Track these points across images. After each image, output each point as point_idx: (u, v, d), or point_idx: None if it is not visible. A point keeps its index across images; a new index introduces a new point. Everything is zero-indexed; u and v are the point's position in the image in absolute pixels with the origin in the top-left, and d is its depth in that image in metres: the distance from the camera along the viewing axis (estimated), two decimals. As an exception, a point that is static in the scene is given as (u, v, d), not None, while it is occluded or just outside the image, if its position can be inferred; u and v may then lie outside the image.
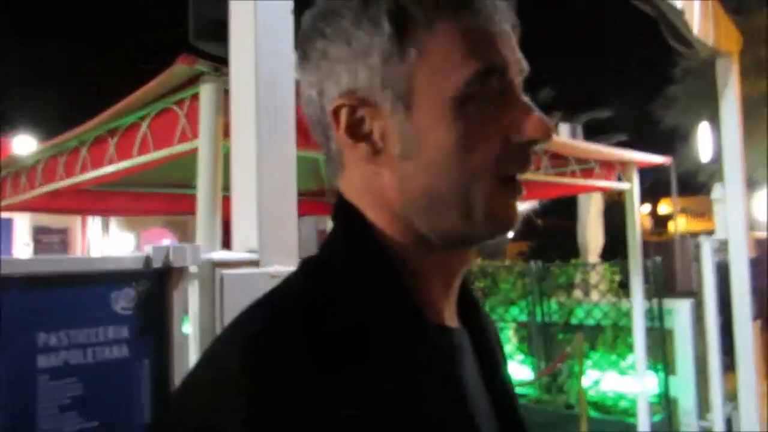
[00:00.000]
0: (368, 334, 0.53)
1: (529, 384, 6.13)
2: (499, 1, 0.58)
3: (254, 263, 1.27)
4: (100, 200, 4.77)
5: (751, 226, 5.13)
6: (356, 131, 0.58)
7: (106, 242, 9.15)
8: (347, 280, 0.56)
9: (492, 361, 0.67)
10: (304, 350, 0.49)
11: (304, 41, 0.61)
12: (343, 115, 0.57)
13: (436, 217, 0.57)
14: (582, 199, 9.24)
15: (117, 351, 1.14)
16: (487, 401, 0.63)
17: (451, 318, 0.63)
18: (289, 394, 0.47)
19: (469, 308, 0.68)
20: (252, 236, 1.29)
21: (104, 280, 1.10)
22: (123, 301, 1.12)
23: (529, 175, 3.99)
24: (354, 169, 0.60)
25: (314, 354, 0.49)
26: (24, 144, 7.99)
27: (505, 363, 0.76)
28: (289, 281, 0.60)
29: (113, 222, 9.51)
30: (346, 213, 0.60)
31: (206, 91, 1.87)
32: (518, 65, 0.59)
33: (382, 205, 0.59)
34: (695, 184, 14.09)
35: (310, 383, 0.47)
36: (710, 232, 5.27)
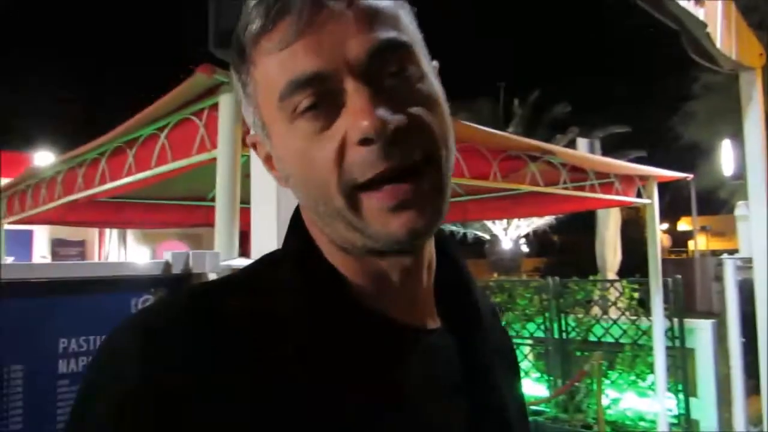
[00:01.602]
0: (280, 321, 0.54)
1: (546, 402, 6.03)
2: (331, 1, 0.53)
3: (272, 272, 1.25)
4: (117, 212, 4.81)
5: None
6: (266, 162, 0.62)
7: (123, 255, 9.21)
8: (275, 270, 0.59)
9: (480, 366, 0.64)
10: (199, 335, 0.51)
11: None
12: (256, 150, 0.63)
13: (332, 231, 0.57)
14: (601, 215, 9.14)
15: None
16: (456, 407, 0.60)
17: (422, 318, 0.62)
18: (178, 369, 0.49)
19: (465, 310, 0.66)
20: (271, 244, 1.27)
21: (124, 285, 1.08)
22: (142, 306, 1.11)
23: (547, 189, 3.96)
24: None
25: (209, 338, 0.51)
26: (44, 159, 8.11)
27: (513, 371, 0.74)
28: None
29: (130, 235, 9.57)
30: (292, 217, 0.64)
31: (225, 101, 1.87)
32: (349, 57, 0.52)
33: (311, 223, 0.61)
34: (715, 202, 13.94)
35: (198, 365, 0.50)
36: (731, 251, 5.18)
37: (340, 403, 0.52)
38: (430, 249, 0.62)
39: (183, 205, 5.18)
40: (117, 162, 2.68)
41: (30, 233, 8.42)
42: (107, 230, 8.96)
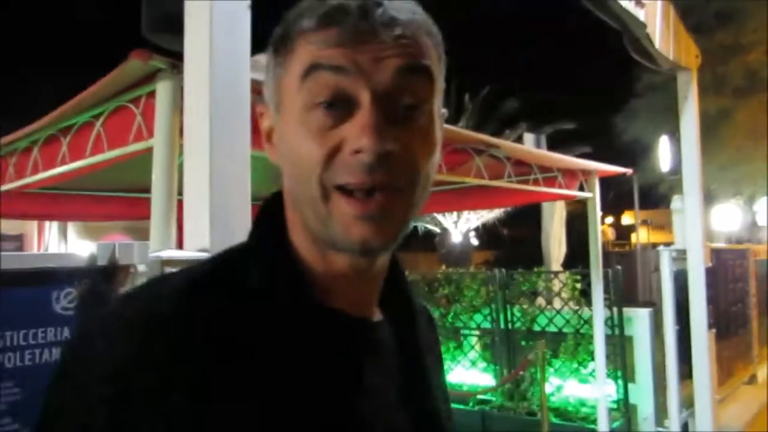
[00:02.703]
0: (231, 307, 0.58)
1: (492, 391, 6.16)
2: (380, 13, 0.58)
3: (205, 263, 1.23)
4: (54, 204, 4.64)
5: (708, 237, 5.26)
6: (266, 135, 0.67)
7: (64, 249, 8.89)
8: (237, 261, 0.63)
9: (413, 358, 0.70)
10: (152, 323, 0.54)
11: None
12: (260, 119, 0.68)
13: (304, 216, 0.62)
14: (545, 208, 9.36)
15: (57, 353, 1.09)
16: (396, 398, 0.66)
17: (369, 310, 0.68)
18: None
19: (400, 303, 0.72)
20: (204, 235, 1.26)
21: (44, 278, 1.05)
22: (64, 300, 1.07)
23: (492, 182, 4.02)
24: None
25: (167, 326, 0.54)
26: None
27: (438, 363, 0.80)
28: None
29: (71, 228, 9.26)
30: (263, 207, 0.68)
31: (163, 89, 1.83)
32: (374, 76, 0.57)
33: (289, 203, 0.65)
34: (656, 197, 14.44)
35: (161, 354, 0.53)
36: (670, 244, 5.38)
37: (295, 395, 0.56)
38: (386, 257, 0.67)
39: (127, 198, 5.04)
40: (50, 151, 2.58)
41: (-37, 226, 8.04)
42: (47, 224, 8.64)
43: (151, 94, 1.92)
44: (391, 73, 0.58)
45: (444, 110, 0.70)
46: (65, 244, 9.01)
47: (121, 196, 5.02)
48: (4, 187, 2.94)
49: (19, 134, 2.75)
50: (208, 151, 1.29)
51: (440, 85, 0.65)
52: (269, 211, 0.67)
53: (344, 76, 0.57)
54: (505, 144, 3.98)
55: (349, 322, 0.64)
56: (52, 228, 8.61)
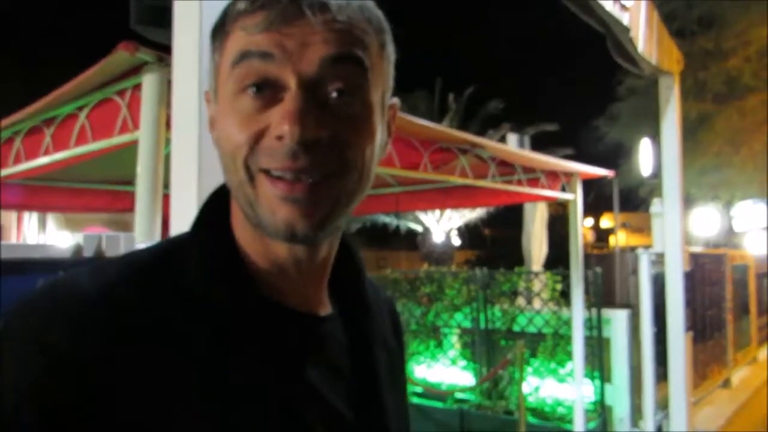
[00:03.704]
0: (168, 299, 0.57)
1: (471, 389, 6.19)
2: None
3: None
4: (37, 195, 4.59)
5: (686, 240, 5.34)
6: (210, 122, 0.65)
7: (43, 240, 8.77)
8: (175, 253, 0.62)
9: (363, 354, 0.69)
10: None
11: None
12: (207, 107, 0.67)
13: (240, 204, 0.61)
14: (527, 209, 9.43)
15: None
16: (342, 396, 0.64)
17: (317, 304, 0.66)
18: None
19: (353, 297, 0.71)
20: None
21: (28, 269, 1.04)
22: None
23: (476, 182, 4.05)
24: None
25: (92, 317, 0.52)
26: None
27: (397, 357, 0.78)
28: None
29: (51, 219, 9.13)
30: (209, 197, 0.66)
31: (149, 82, 1.82)
32: (301, 62, 0.56)
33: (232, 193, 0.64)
34: (636, 200, 14.59)
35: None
36: (648, 247, 5.46)
37: (224, 396, 0.54)
38: (329, 245, 0.65)
39: (108, 190, 4.99)
40: (33, 141, 2.56)
41: (-62, 215, 7.89)
42: (26, 214, 8.52)
43: (137, 87, 1.92)
44: (317, 62, 0.56)
45: (395, 99, 0.68)
46: (44, 235, 8.89)
47: (102, 188, 4.97)
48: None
49: (1, 124, 2.71)
50: (197, 145, 1.29)
51: (383, 72, 0.63)
52: (214, 202, 0.65)
53: (271, 62, 0.56)
54: (490, 144, 4.01)
55: (291, 316, 0.62)
56: (31, 219, 8.49)
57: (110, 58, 1.82)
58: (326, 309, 0.68)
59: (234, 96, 0.58)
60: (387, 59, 0.64)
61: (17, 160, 2.69)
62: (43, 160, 2.48)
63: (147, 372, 0.52)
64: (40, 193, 4.63)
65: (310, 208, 0.57)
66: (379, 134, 0.62)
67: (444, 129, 3.58)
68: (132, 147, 2.00)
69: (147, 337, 0.53)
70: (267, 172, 0.57)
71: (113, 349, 0.51)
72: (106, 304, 0.54)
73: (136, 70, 1.89)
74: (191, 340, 0.55)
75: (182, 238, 0.65)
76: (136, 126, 1.93)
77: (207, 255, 0.61)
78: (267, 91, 0.57)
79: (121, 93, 2.03)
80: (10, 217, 8.63)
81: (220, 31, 0.61)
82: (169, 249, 0.63)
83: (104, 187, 4.92)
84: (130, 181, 4.82)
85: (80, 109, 2.22)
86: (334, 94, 0.57)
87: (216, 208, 0.65)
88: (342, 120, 0.57)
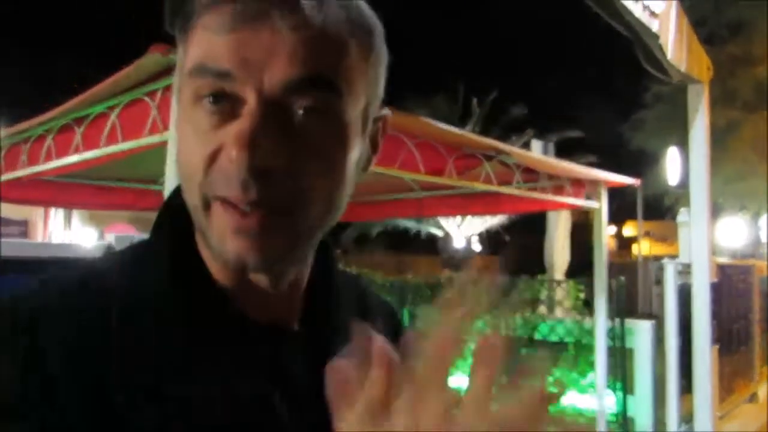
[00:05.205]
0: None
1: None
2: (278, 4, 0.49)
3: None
4: (64, 192, 4.65)
5: (713, 251, 5.25)
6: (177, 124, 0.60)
7: (68, 236, 8.92)
8: (132, 260, 0.58)
9: (320, 375, 0.62)
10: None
11: None
12: None
13: (195, 224, 0.55)
14: (551, 216, 9.36)
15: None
16: (297, 410, 0.57)
17: (284, 320, 0.60)
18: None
19: (324, 315, 0.63)
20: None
21: (65, 267, 1.05)
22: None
23: (501, 189, 4.02)
24: None
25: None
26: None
27: None
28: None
29: (76, 216, 9.29)
30: (167, 200, 0.61)
31: (180, 83, 1.83)
32: (262, 79, 0.49)
33: None
34: (660, 208, 14.42)
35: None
36: (672, 256, 5.37)
37: (170, 413, 0.50)
38: (295, 270, 0.59)
39: (133, 189, 5.05)
40: (64, 140, 2.59)
41: (-32, 210, 8.06)
42: (52, 210, 8.67)
43: (168, 88, 1.93)
44: (280, 84, 0.49)
45: (386, 111, 0.61)
46: (69, 230, 9.04)
47: (126, 186, 5.02)
48: (17, 174, 2.94)
49: (33, 122, 2.76)
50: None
51: (369, 80, 0.55)
52: (174, 206, 0.58)
53: (228, 80, 0.49)
54: (516, 151, 3.98)
55: (252, 329, 0.57)
56: (57, 215, 8.63)
57: (142, 60, 1.83)
58: (294, 325, 0.61)
59: (191, 105, 0.52)
60: (374, 65, 0.56)
61: (48, 158, 2.73)
62: (73, 158, 2.51)
63: (100, 367, 0.49)
64: (67, 190, 4.70)
65: (262, 242, 0.50)
66: (357, 152, 0.55)
67: (469, 134, 3.56)
68: (157, 147, 2.02)
69: (82, 351, 0.50)
70: (223, 199, 0.50)
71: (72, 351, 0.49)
72: (48, 318, 0.51)
73: (168, 71, 1.90)
74: (143, 355, 0.51)
75: (142, 245, 0.60)
76: (165, 127, 1.95)
77: (166, 266, 0.56)
78: (225, 103, 0.50)
79: (151, 94, 2.05)
80: (38, 213, 8.79)
81: (183, 26, 0.53)
82: (127, 256, 0.60)
83: (129, 185, 4.98)
84: (155, 180, 4.88)
85: (111, 108, 2.25)
86: (301, 112, 0.50)
87: (176, 211, 0.58)
88: (307, 144, 0.50)
